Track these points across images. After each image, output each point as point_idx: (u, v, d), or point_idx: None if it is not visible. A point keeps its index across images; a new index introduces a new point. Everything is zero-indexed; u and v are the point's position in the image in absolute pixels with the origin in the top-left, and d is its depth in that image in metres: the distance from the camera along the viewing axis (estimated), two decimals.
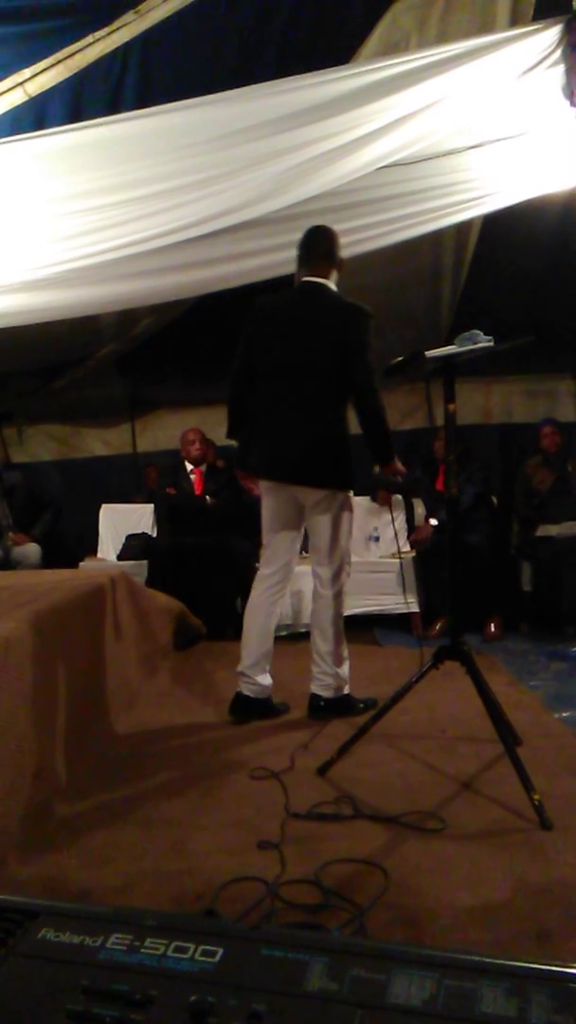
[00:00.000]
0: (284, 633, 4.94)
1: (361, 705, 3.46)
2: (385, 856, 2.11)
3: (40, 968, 0.85)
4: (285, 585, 3.54)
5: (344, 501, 3.38)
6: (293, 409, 3.33)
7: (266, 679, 3.49)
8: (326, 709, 3.43)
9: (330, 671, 3.42)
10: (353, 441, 3.38)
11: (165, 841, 2.25)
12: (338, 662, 3.44)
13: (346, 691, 3.48)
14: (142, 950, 0.87)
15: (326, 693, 3.44)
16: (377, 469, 3.66)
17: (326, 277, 3.38)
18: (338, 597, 3.45)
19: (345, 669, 3.47)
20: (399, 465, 3.45)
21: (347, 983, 0.80)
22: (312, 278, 3.37)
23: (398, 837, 2.24)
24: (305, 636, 3.88)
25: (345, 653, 3.48)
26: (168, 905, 1.89)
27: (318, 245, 3.39)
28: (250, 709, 3.46)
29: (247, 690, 3.47)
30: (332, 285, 3.40)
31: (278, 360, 3.36)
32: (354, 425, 3.37)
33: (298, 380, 3.31)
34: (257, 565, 4.45)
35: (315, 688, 3.46)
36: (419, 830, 2.27)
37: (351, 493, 3.43)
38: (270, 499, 3.46)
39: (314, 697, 3.46)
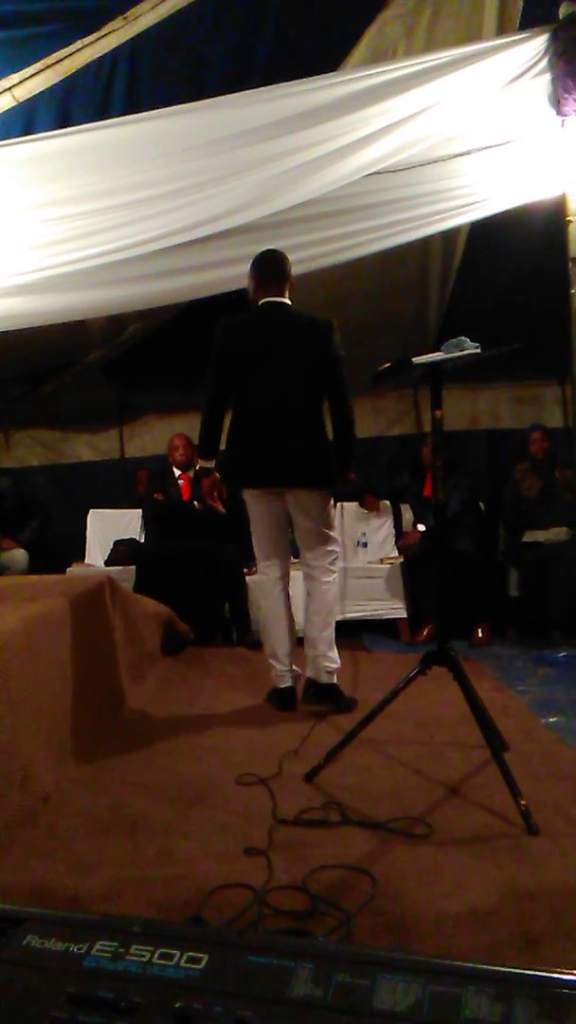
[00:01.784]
0: None
1: (346, 701, 3.63)
2: (372, 862, 2.10)
3: (24, 975, 0.85)
4: (288, 578, 3.80)
5: (332, 498, 3.69)
6: (282, 421, 3.51)
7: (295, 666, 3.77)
8: (320, 694, 3.64)
9: (325, 654, 3.62)
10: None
11: (152, 848, 2.24)
12: (331, 647, 3.65)
13: (335, 681, 3.66)
14: (127, 957, 0.87)
15: (325, 679, 3.64)
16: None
17: (284, 296, 3.57)
18: (333, 585, 3.72)
19: (336, 655, 3.67)
20: (352, 474, 3.74)
21: (332, 989, 0.80)
22: (274, 298, 3.55)
23: (385, 843, 2.24)
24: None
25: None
26: (155, 912, 1.88)
27: (275, 267, 3.57)
28: (295, 695, 3.72)
29: (293, 682, 3.74)
30: (290, 302, 3.59)
31: (261, 377, 3.53)
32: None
33: (282, 393, 3.51)
34: (248, 571, 4.52)
35: (311, 673, 3.67)
36: (406, 836, 2.27)
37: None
38: (261, 508, 3.66)
39: (309, 682, 3.67)
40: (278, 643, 3.71)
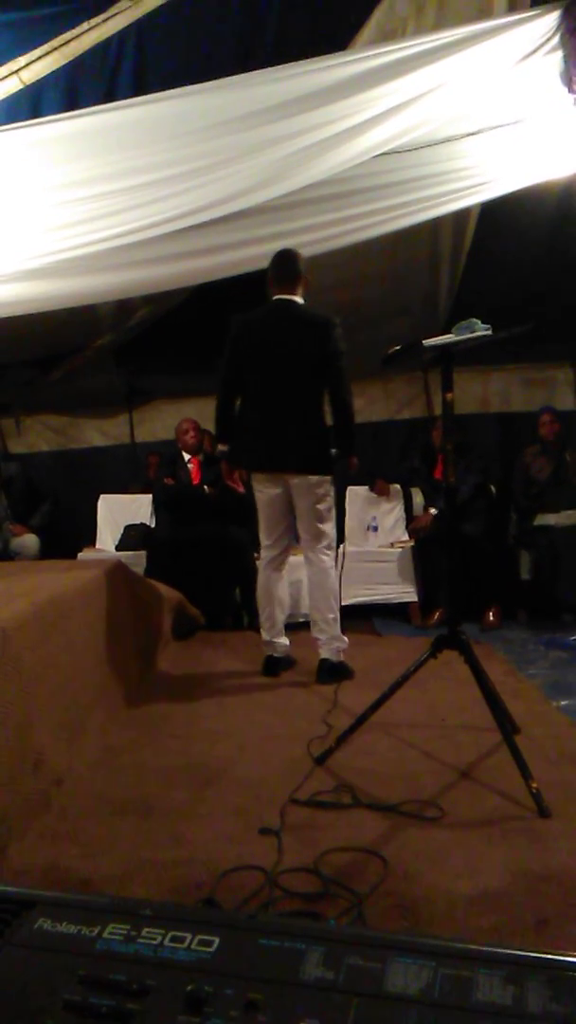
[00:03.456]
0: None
1: (351, 670, 3.93)
2: (384, 844, 2.11)
3: (37, 958, 0.85)
4: (286, 559, 4.06)
5: (329, 485, 3.87)
6: (284, 410, 3.78)
7: (286, 639, 4.12)
8: (333, 672, 3.87)
9: (335, 634, 3.89)
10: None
11: (164, 831, 2.25)
12: (338, 628, 3.91)
13: (343, 658, 3.94)
14: (139, 940, 0.87)
15: (334, 657, 3.90)
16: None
17: (295, 294, 3.81)
18: (332, 569, 3.95)
19: (343, 636, 3.94)
20: (355, 459, 3.97)
21: (343, 972, 0.80)
22: (285, 295, 3.80)
23: (397, 825, 2.24)
24: (305, 625, 4.07)
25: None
26: (167, 895, 1.89)
27: (285, 267, 3.80)
28: (280, 665, 4.06)
29: (278, 652, 4.07)
30: (301, 300, 3.83)
31: (266, 369, 3.80)
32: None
33: (286, 385, 3.78)
34: (257, 555, 4.62)
35: (324, 653, 3.92)
36: (418, 818, 2.28)
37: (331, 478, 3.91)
38: (266, 490, 3.90)
39: (324, 662, 3.91)
40: (270, 614, 4.02)
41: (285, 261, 3.80)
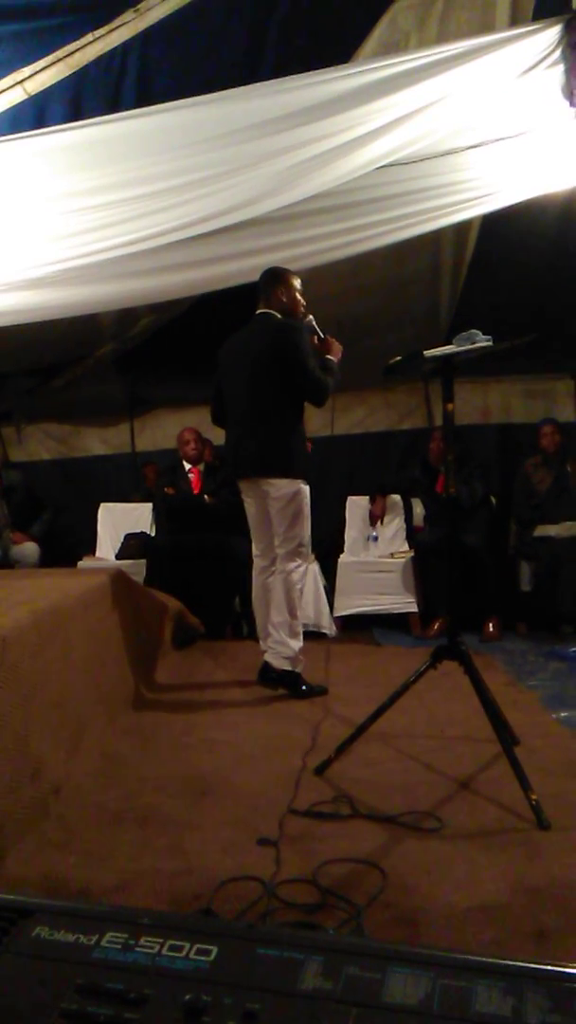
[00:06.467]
0: None
1: (304, 688, 3.83)
2: (383, 856, 2.10)
3: (34, 966, 0.85)
4: (274, 565, 4.01)
5: (299, 488, 3.86)
6: (249, 418, 3.89)
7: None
8: (275, 680, 3.88)
9: (282, 640, 3.85)
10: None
11: (163, 840, 2.25)
12: (292, 634, 3.87)
13: (299, 669, 3.87)
14: (137, 948, 0.87)
15: (277, 664, 3.87)
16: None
17: (272, 308, 3.93)
18: (293, 573, 3.90)
19: (297, 644, 3.88)
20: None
21: (342, 982, 0.80)
22: (262, 310, 3.95)
23: (396, 837, 2.24)
24: (315, 635, 4.06)
25: (299, 629, 3.92)
26: (165, 904, 1.88)
27: (263, 283, 3.96)
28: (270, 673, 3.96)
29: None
30: (278, 314, 3.91)
31: (236, 382, 3.95)
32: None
33: (248, 392, 3.89)
34: None
35: (268, 657, 3.92)
36: (417, 830, 2.27)
37: (305, 483, 3.89)
38: (247, 497, 4.03)
39: (266, 665, 3.94)
40: (260, 624, 4.07)
41: (263, 278, 3.95)
